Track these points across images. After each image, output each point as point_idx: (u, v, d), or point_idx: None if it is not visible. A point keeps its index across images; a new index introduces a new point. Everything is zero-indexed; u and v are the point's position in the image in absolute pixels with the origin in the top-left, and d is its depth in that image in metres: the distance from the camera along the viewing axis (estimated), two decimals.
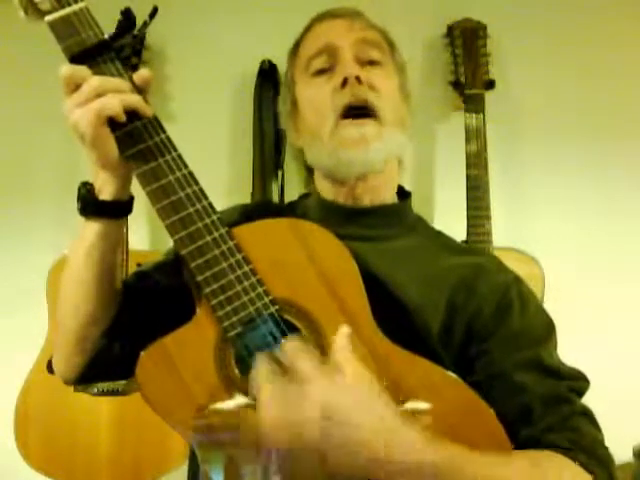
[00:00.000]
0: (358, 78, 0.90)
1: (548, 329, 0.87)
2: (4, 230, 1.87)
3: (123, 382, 1.67)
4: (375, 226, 0.93)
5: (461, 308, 0.85)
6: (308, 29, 0.99)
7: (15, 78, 1.86)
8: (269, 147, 1.82)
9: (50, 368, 1.67)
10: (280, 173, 1.81)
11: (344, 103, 0.90)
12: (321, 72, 0.94)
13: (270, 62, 1.82)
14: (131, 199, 0.83)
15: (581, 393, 0.83)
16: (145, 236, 1.82)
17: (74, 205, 0.81)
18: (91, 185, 0.81)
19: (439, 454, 0.67)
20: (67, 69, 0.73)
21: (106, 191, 0.79)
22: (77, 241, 0.83)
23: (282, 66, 1.81)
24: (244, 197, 1.77)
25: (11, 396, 1.67)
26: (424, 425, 0.69)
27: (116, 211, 0.81)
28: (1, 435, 1.68)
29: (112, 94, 0.72)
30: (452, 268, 0.89)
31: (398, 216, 0.97)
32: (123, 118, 0.74)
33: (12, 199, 1.86)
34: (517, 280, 0.90)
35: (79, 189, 0.81)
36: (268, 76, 1.82)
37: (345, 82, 0.90)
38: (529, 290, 0.90)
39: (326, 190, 0.97)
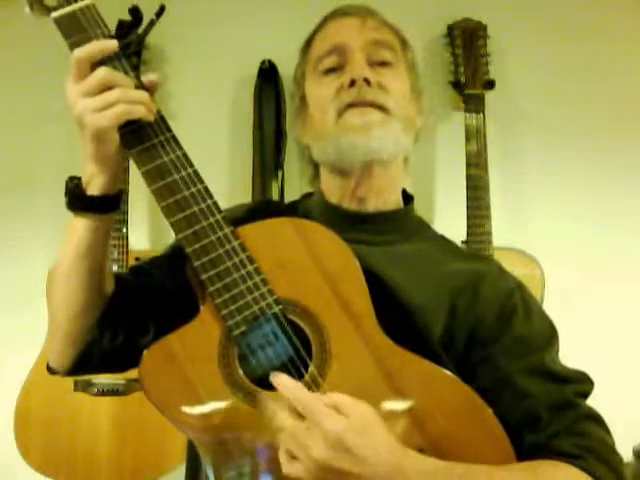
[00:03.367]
0: (367, 80, 0.89)
1: (551, 334, 0.87)
2: (4, 230, 1.86)
3: (123, 382, 1.66)
4: (379, 232, 0.93)
5: (463, 313, 0.85)
6: (320, 26, 0.98)
7: (16, 78, 1.86)
8: (269, 147, 1.82)
9: (50, 368, 1.66)
10: (280, 173, 1.80)
11: (348, 101, 0.89)
12: (331, 71, 0.93)
13: (270, 62, 1.81)
14: (119, 193, 0.81)
15: (587, 395, 0.84)
16: (145, 236, 1.82)
17: None
18: (79, 179, 0.79)
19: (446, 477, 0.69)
20: (80, 52, 0.72)
21: (94, 185, 0.78)
22: (67, 233, 0.82)
23: (282, 66, 1.84)
24: (244, 197, 1.77)
25: (11, 396, 1.67)
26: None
27: (103, 206, 0.79)
28: (1, 435, 1.67)
29: (119, 89, 0.72)
30: (455, 273, 0.89)
31: (401, 221, 0.96)
32: (152, 119, 0.75)
33: (12, 199, 1.86)
34: (520, 286, 0.90)
35: (66, 183, 0.80)
36: (268, 76, 1.82)
37: (353, 83, 0.89)
38: (531, 296, 0.90)
39: (331, 189, 0.96)
